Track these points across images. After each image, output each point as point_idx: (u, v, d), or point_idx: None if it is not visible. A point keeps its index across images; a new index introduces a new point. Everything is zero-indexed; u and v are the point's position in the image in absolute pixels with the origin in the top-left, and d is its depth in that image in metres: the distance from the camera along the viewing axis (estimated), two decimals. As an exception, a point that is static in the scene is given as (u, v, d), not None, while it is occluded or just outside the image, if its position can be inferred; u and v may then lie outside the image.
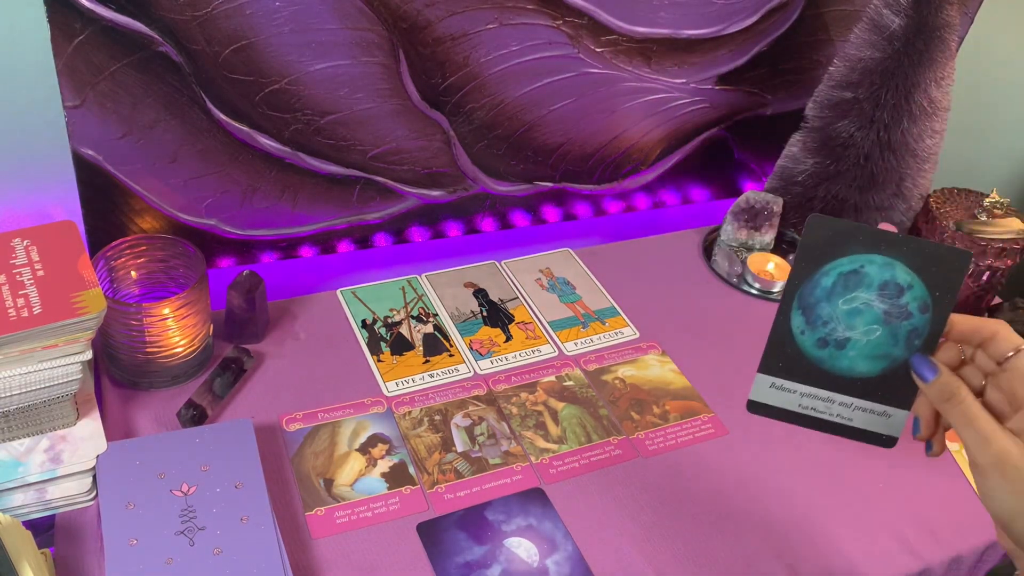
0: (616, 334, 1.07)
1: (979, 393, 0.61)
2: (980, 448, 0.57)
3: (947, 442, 0.67)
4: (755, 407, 0.68)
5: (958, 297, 0.62)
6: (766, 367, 0.67)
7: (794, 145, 1.20)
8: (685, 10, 1.09)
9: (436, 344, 1.02)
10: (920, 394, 0.62)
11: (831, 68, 1.15)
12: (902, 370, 0.63)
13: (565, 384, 0.99)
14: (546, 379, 0.99)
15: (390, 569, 0.78)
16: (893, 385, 0.64)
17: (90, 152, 0.92)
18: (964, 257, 0.61)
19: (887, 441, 0.66)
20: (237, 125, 0.97)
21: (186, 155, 0.96)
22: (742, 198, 1.20)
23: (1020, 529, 0.56)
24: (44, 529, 0.78)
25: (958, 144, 1.38)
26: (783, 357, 0.66)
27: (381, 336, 1.02)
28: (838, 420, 0.66)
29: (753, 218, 1.20)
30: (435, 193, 1.13)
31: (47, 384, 0.76)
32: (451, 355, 1.01)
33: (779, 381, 0.67)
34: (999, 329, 0.60)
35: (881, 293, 0.62)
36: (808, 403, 0.66)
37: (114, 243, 0.91)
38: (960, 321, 0.62)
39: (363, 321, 1.03)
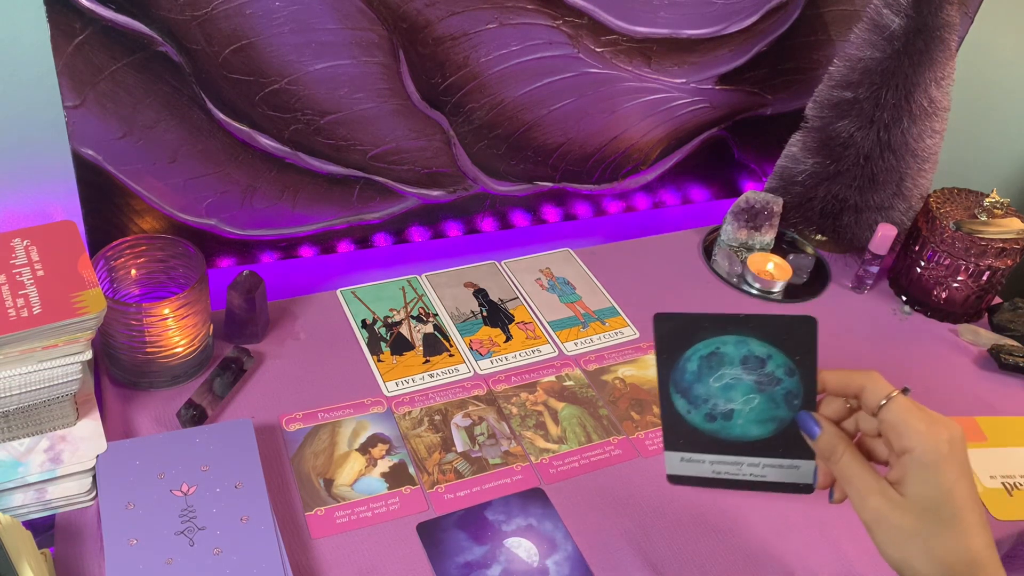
0: (616, 334, 1.07)
1: (875, 435, 0.62)
2: (859, 505, 0.60)
3: None
4: (676, 480, 0.71)
5: (817, 357, 0.64)
6: (670, 444, 0.69)
7: (794, 145, 1.20)
8: (685, 10, 1.09)
9: (436, 344, 1.02)
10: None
11: (831, 68, 1.15)
12: (793, 427, 0.66)
13: (565, 384, 0.99)
14: (546, 379, 0.99)
15: (390, 569, 0.78)
16: (790, 441, 0.66)
17: (90, 152, 0.92)
18: (810, 323, 0.64)
19: (804, 488, 0.69)
20: (237, 125, 0.97)
21: (186, 155, 0.96)
22: (742, 198, 1.20)
23: (910, 574, 0.58)
24: (44, 529, 0.78)
25: (958, 144, 1.38)
26: (681, 434, 0.69)
27: (381, 336, 1.02)
28: (752, 479, 0.69)
29: (753, 218, 1.20)
30: (435, 193, 1.13)
31: (47, 384, 0.76)
32: (451, 355, 1.01)
33: (686, 455, 0.69)
34: (866, 382, 0.61)
35: (745, 367, 0.66)
36: (720, 468, 0.69)
37: (114, 243, 0.91)
38: (830, 378, 0.63)
39: (363, 321, 1.03)
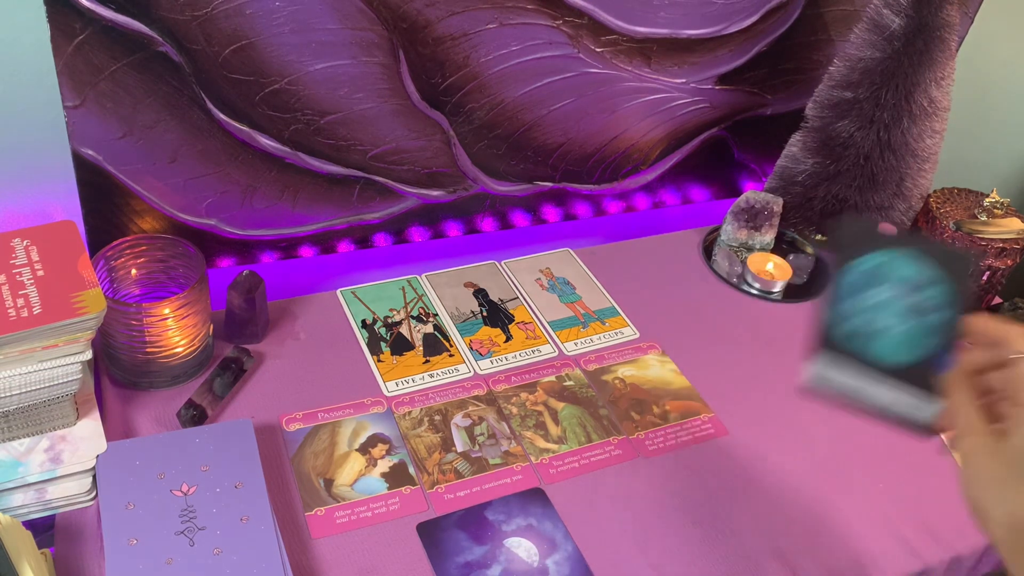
0: (616, 334, 1.07)
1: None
2: (958, 438, 0.61)
3: (947, 441, 0.68)
4: (811, 389, 0.73)
5: (967, 297, 0.66)
6: (816, 351, 0.71)
7: (794, 145, 1.20)
8: (685, 10, 1.09)
9: (436, 344, 1.02)
10: None
11: (831, 68, 1.15)
12: (928, 361, 0.66)
13: (565, 384, 0.99)
14: (546, 379, 0.99)
15: (390, 569, 0.78)
16: (923, 374, 0.67)
17: (90, 152, 0.92)
18: (967, 260, 0.65)
19: (922, 428, 0.69)
20: (237, 125, 0.97)
21: (186, 155, 0.96)
22: (742, 198, 1.20)
23: (982, 516, 0.59)
24: (44, 529, 0.78)
25: (958, 144, 1.38)
26: (829, 343, 0.70)
27: (381, 336, 1.02)
28: (878, 404, 0.70)
29: (753, 218, 1.20)
30: (435, 193, 1.13)
31: (47, 384, 0.76)
32: (451, 355, 1.01)
33: (827, 365, 0.71)
34: (1008, 335, 0.62)
35: (901, 289, 0.67)
36: (853, 387, 0.70)
37: (114, 243, 0.91)
38: (976, 322, 0.64)
39: (363, 321, 1.03)
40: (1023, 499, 0.57)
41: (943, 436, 0.67)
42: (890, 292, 0.67)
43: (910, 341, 0.67)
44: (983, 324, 0.64)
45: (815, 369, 0.72)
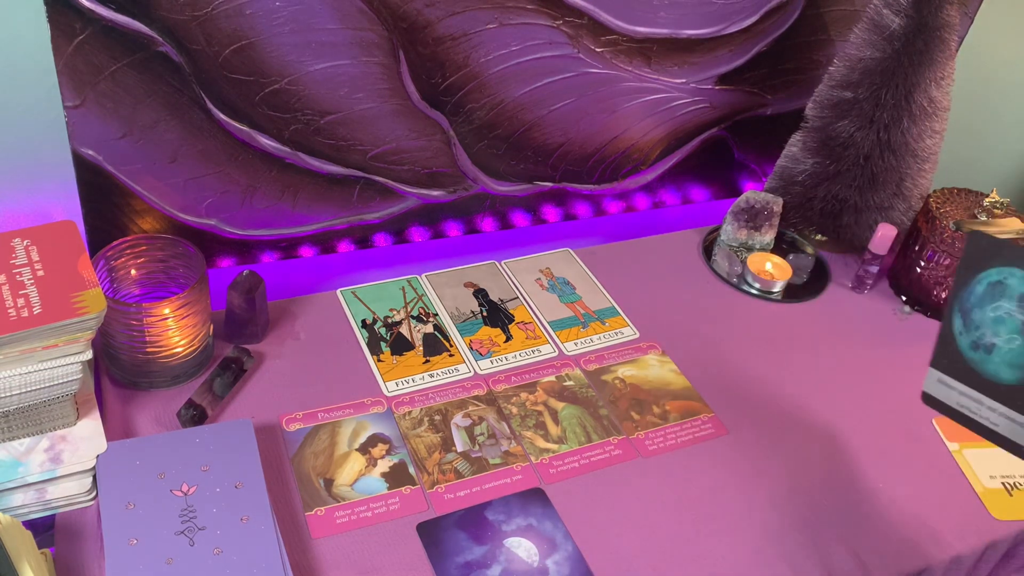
0: (616, 334, 1.07)
1: None
2: None
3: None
4: (928, 399, 0.74)
5: None
6: (936, 362, 0.73)
7: (794, 145, 1.20)
8: (685, 10, 1.09)
9: (436, 344, 1.02)
10: None
11: (831, 68, 1.15)
12: None
13: (565, 384, 0.99)
14: (546, 379, 0.99)
15: (390, 569, 0.78)
16: None
17: (90, 152, 0.92)
18: None
19: None
20: (237, 125, 0.97)
21: (186, 155, 0.96)
22: (742, 198, 1.20)
23: None
24: (44, 529, 0.78)
25: (958, 144, 1.38)
26: (947, 354, 0.72)
27: (381, 336, 1.02)
28: (987, 424, 0.70)
29: (753, 218, 1.20)
30: (435, 193, 1.13)
31: (47, 384, 0.76)
32: (451, 355, 1.01)
33: (944, 377, 0.72)
34: None
35: (1020, 304, 0.67)
36: (964, 402, 0.72)
37: (114, 243, 0.91)
38: None
39: (363, 321, 1.03)
40: None
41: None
42: (1008, 308, 0.68)
43: (1019, 358, 0.67)
44: None
45: (934, 381, 0.72)
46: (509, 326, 1.06)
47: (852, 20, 1.20)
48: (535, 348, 1.04)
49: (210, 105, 0.94)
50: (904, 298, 1.19)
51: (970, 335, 0.70)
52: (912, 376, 1.07)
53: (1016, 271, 0.67)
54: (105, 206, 0.97)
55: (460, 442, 0.91)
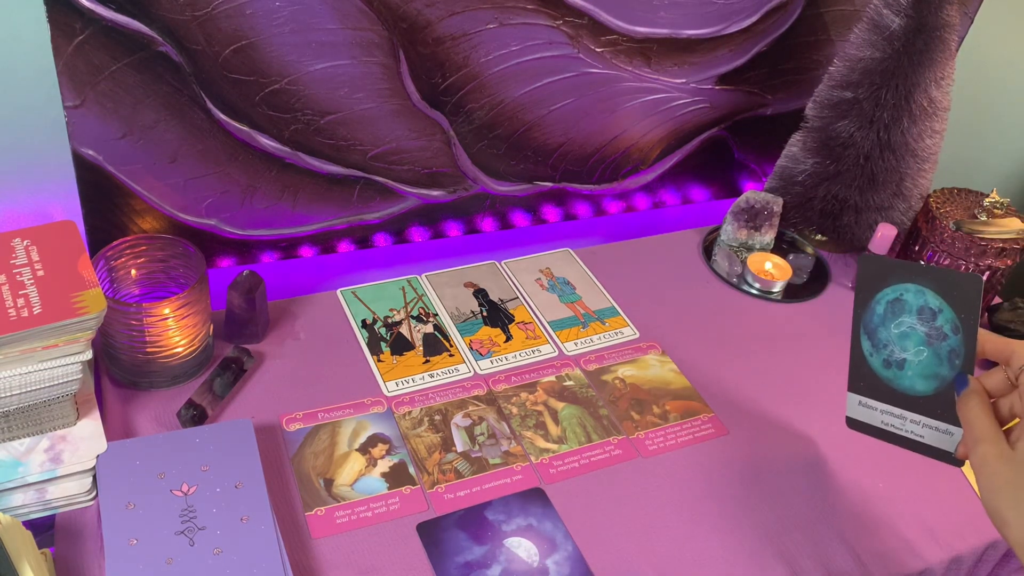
0: (616, 334, 1.07)
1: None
2: (971, 448, 0.63)
3: None
4: (852, 423, 0.76)
5: (979, 318, 0.68)
6: (853, 386, 0.75)
7: (794, 145, 1.20)
8: (685, 10, 1.09)
9: (436, 344, 1.02)
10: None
11: (831, 68, 1.15)
12: (951, 389, 0.69)
13: (565, 384, 0.99)
14: (546, 379, 0.99)
15: (390, 569, 0.78)
16: (947, 402, 0.69)
17: (90, 152, 0.92)
18: (976, 282, 0.67)
19: (951, 458, 0.71)
20: (237, 125, 0.97)
21: (186, 155, 0.96)
22: (742, 198, 1.20)
23: (999, 520, 0.61)
24: (44, 529, 0.78)
25: (958, 144, 1.38)
26: (862, 376, 0.74)
27: (381, 336, 1.02)
28: (912, 437, 0.72)
29: (753, 218, 1.20)
30: (435, 193, 1.13)
31: (47, 384, 0.76)
32: (451, 355, 1.01)
33: (863, 399, 0.75)
34: (1018, 348, 0.65)
35: (920, 318, 0.69)
36: (888, 420, 0.74)
37: (114, 243, 0.91)
38: (988, 341, 0.67)
39: (363, 321, 1.03)
40: None
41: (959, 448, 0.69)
42: (910, 322, 0.69)
43: (931, 369, 0.69)
44: (995, 341, 0.66)
45: (855, 405, 0.75)
46: (509, 326, 1.06)
47: (852, 20, 1.20)
48: (535, 348, 1.04)
49: (210, 105, 0.94)
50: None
51: (880, 354, 0.72)
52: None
53: (910, 286, 0.69)
54: (105, 206, 0.97)
55: (460, 442, 0.91)
